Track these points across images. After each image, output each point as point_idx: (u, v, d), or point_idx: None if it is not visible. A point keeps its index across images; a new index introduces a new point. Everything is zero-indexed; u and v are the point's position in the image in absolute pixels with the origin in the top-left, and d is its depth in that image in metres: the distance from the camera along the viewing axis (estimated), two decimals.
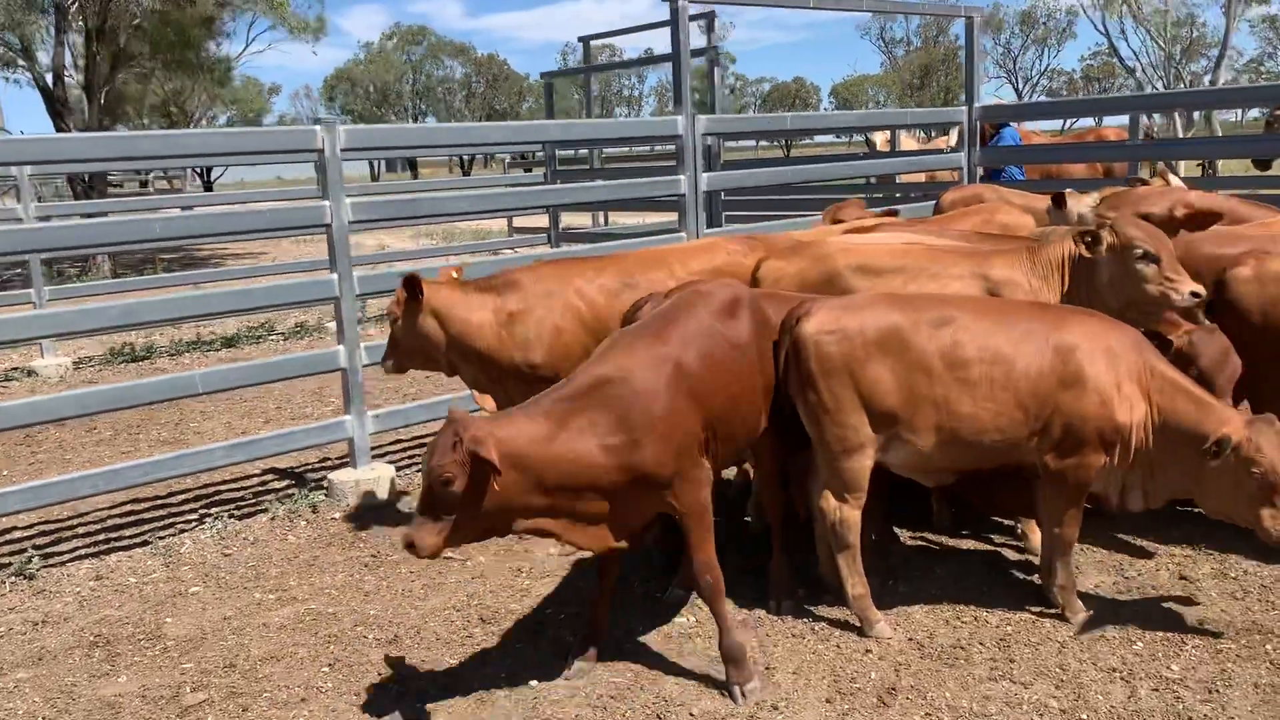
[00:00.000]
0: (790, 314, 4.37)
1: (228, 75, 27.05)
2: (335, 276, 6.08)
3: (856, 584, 4.45)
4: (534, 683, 4.14)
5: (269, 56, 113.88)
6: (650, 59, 15.44)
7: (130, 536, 6.01)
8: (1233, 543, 5.11)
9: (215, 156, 9.29)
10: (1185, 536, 5.27)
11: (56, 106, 17.99)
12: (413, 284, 5.13)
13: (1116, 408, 4.20)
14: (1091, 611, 4.48)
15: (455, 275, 5.42)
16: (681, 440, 3.86)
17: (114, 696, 4.23)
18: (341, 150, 6.03)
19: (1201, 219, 5.87)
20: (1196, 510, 4.94)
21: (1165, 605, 4.58)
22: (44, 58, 18.41)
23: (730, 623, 4.05)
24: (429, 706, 4.00)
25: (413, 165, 65.44)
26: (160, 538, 5.93)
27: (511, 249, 15.29)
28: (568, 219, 14.98)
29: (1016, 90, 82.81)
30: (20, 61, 18.40)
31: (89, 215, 12.75)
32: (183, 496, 6.69)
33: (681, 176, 7.63)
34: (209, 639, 4.70)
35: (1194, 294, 4.71)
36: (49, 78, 18.11)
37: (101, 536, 6.04)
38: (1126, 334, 4.36)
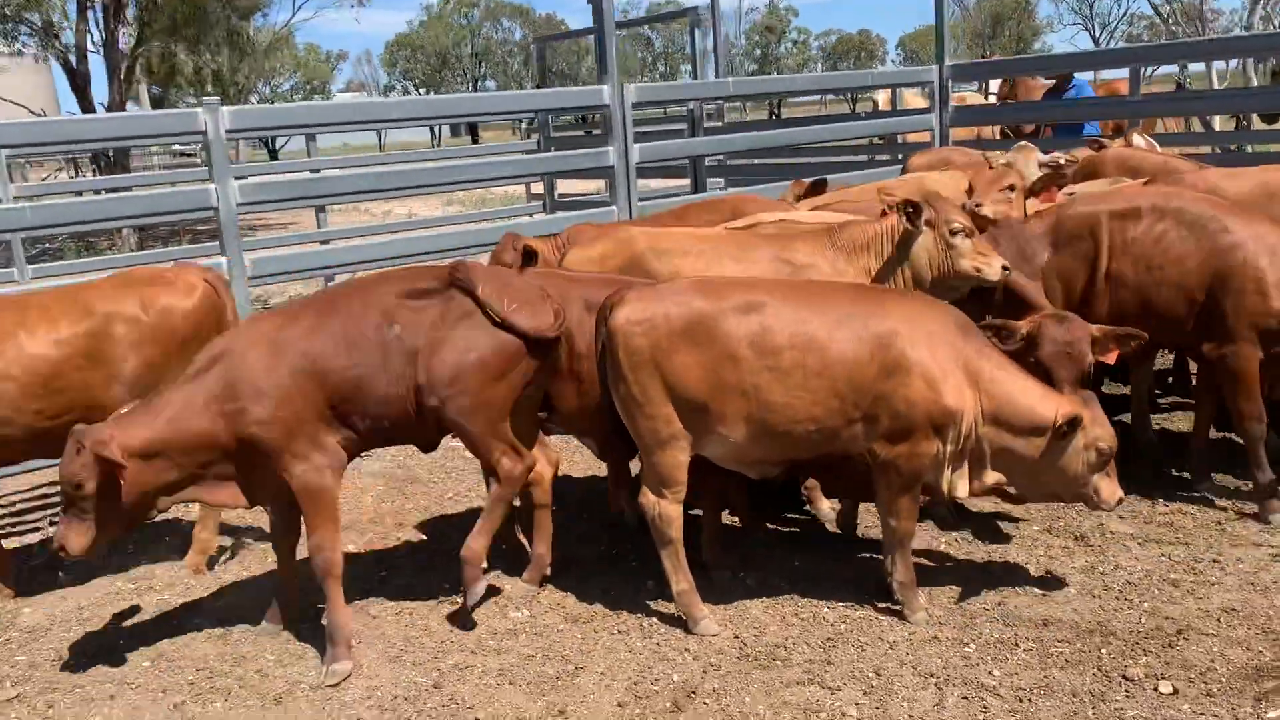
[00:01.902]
0: (604, 303, 4.18)
1: (259, 46, 27.14)
2: (225, 261, 6.03)
3: (680, 580, 4.29)
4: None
5: (353, 23, 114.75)
6: (648, 18, 15.01)
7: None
8: (1120, 539, 4.85)
9: (104, 142, 9.31)
10: (1072, 525, 5.02)
11: (79, 83, 18.32)
12: None
13: (945, 392, 3.96)
14: (926, 610, 4.26)
15: None
16: (290, 418, 3.95)
17: None
18: (226, 131, 5.95)
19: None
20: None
21: (1016, 602, 4.33)
22: (68, 37, 18.67)
23: (338, 603, 4.13)
24: (219, 706, 3.97)
25: (473, 130, 65.55)
26: (53, 523, 5.97)
27: (529, 215, 15.20)
28: (565, 186, 14.79)
29: (1094, 38, 79.74)
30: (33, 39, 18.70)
31: (77, 193, 12.93)
32: None
33: (610, 148, 7.42)
34: (52, 629, 4.72)
35: (1004, 268, 4.80)
36: (72, 57, 18.41)
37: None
38: (950, 316, 4.11)
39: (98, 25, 18.34)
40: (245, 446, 4.00)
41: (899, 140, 12.30)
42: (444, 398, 4.09)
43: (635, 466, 4.88)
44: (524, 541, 4.95)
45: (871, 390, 3.99)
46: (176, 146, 36.39)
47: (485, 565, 4.50)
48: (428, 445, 4.48)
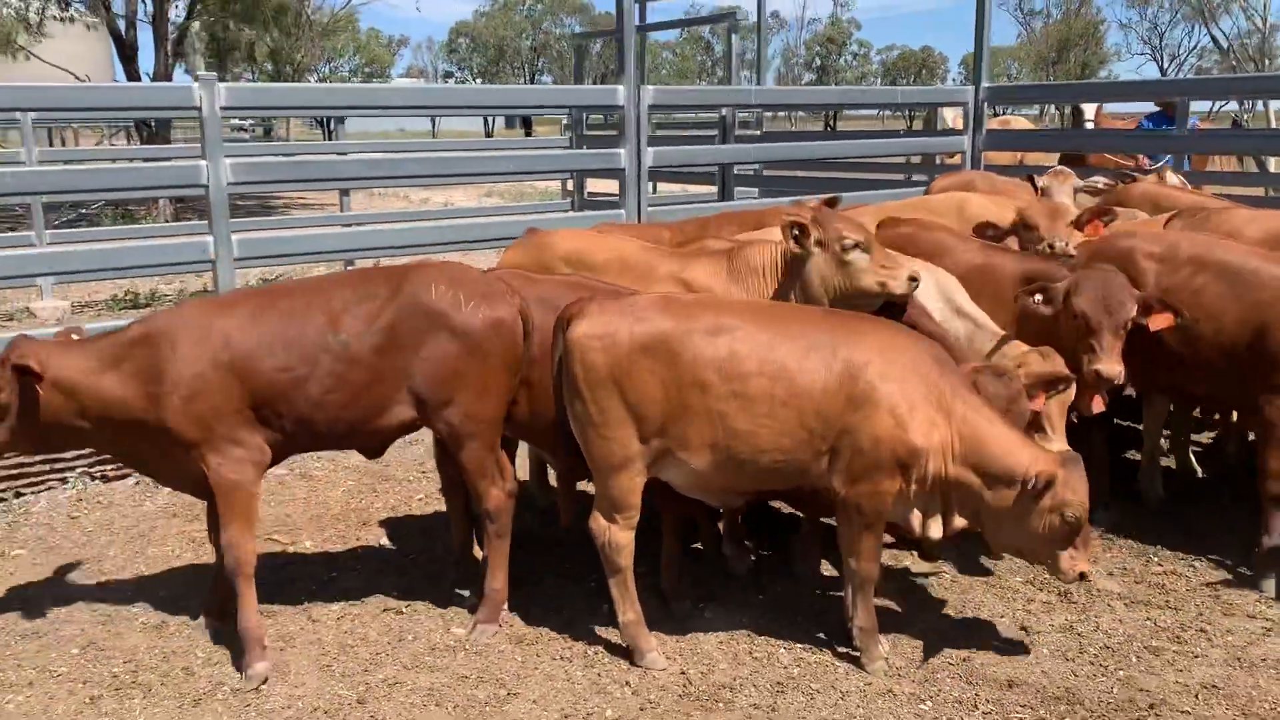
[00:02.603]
0: (563, 313, 3.98)
1: (315, 27, 27.20)
2: (211, 239, 5.91)
3: (628, 609, 4.08)
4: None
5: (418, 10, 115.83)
6: (682, 21, 14.82)
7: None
8: (1105, 598, 4.58)
9: (98, 111, 9.28)
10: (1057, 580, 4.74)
11: (126, 53, 18.45)
12: None
13: (912, 430, 3.72)
14: (885, 659, 4.02)
15: None
16: (207, 410, 3.84)
17: None
18: (222, 109, 5.83)
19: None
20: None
21: (983, 659, 4.08)
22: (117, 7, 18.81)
23: (249, 607, 3.98)
24: (136, 703, 3.83)
25: (526, 123, 65.63)
26: (19, 495, 5.89)
27: (543, 213, 15.01)
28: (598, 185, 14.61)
29: (1161, 69, 78.32)
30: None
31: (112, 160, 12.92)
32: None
33: (621, 150, 7.22)
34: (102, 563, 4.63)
35: (912, 279, 4.45)
36: (121, 25, 18.53)
37: None
38: (927, 350, 3.86)
39: None
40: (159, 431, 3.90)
41: (938, 161, 12.01)
42: (435, 413, 4.04)
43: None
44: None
45: (838, 422, 3.76)
46: (235, 121, 36.72)
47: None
48: (371, 452, 4.32)
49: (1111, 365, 4.43)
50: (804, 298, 4.61)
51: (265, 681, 3.92)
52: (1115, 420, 6.67)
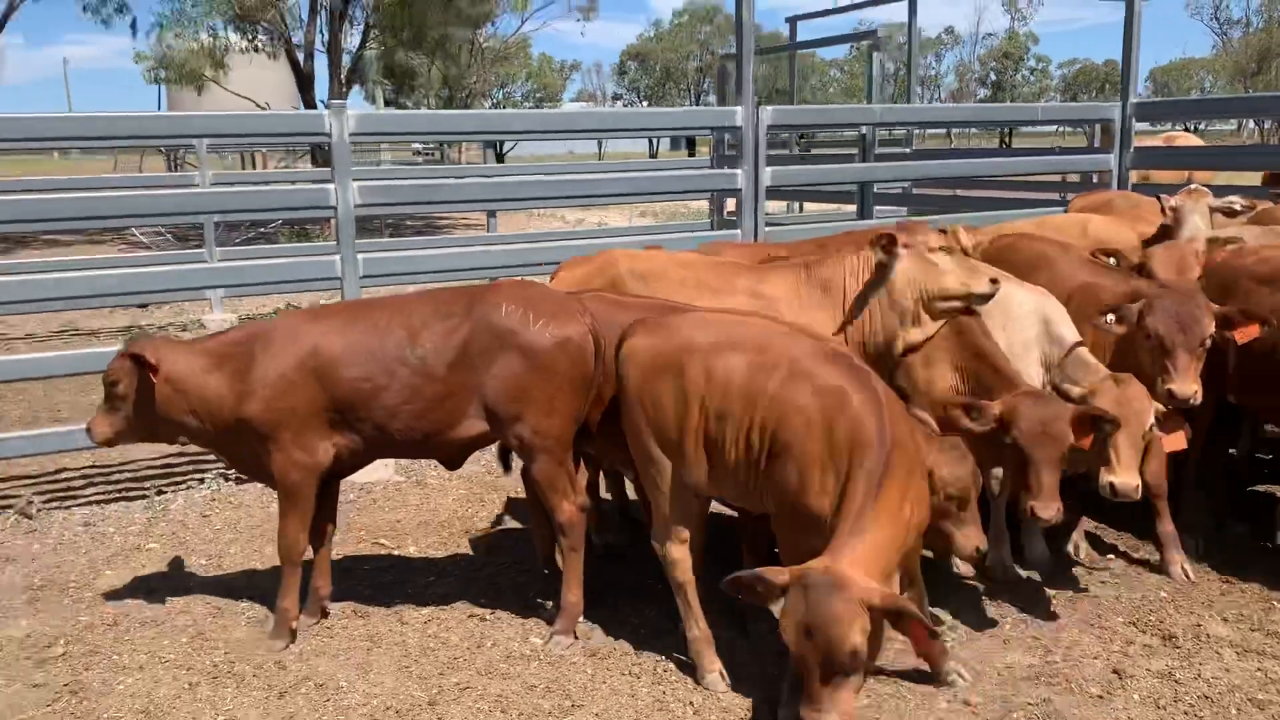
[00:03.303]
0: (623, 332, 4.06)
1: (487, 55, 28.31)
2: (338, 258, 6.24)
3: (694, 626, 4.10)
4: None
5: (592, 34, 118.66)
6: (823, 40, 14.66)
7: (132, 489, 6.46)
8: (1215, 644, 4.30)
9: (223, 137, 9.81)
10: (1165, 622, 4.48)
11: (303, 82, 19.63)
12: None
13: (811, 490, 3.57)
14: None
15: None
16: (285, 410, 4.14)
17: (3, 638, 4.58)
18: (350, 135, 6.16)
19: None
20: None
21: (1065, 701, 3.90)
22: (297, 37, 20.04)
23: (288, 590, 4.41)
24: (229, 691, 4.07)
25: (690, 143, 66.12)
26: (160, 492, 6.34)
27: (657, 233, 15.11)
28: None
29: None
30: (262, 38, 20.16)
31: (280, 182, 13.75)
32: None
33: (739, 170, 7.25)
34: (122, 596, 4.98)
35: (993, 280, 4.47)
36: (300, 55, 19.75)
37: (106, 487, 6.54)
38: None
39: (324, 28, 19.61)
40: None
41: (1094, 179, 11.49)
42: (507, 428, 4.20)
43: None
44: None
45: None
46: (416, 145, 38.41)
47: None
48: (449, 462, 4.50)
49: (1186, 385, 4.19)
50: (889, 302, 4.63)
51: (285, 649, 4.35)
52: (1256, 453, 6.31)
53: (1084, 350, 4.61)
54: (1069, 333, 4.65)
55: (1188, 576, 4.88)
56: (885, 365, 4.59)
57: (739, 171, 7.24)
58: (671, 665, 4.21)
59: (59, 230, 19.04)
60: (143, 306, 12.95)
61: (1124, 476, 4.19)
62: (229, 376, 4.18)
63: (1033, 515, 4.07)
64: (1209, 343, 4.31)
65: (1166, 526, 4.94)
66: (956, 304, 4.53)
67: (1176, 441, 4.33)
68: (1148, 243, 5.77)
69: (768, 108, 7.25)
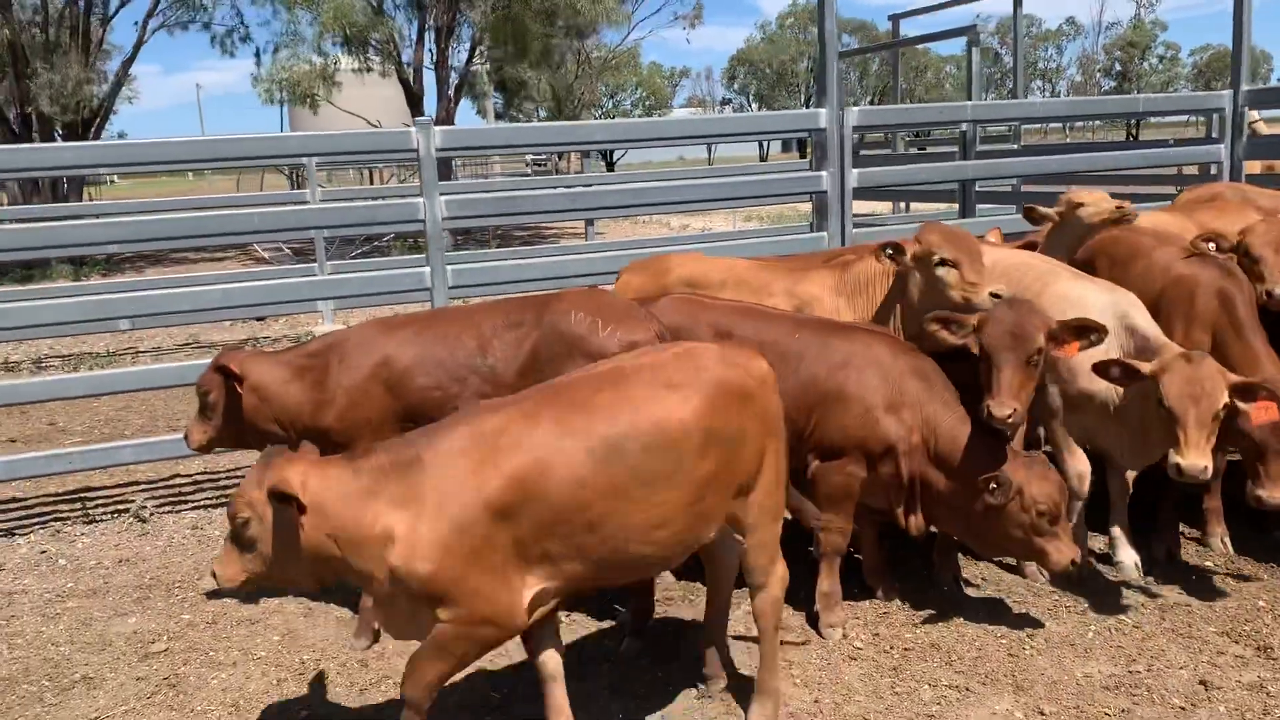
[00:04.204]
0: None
1: (595, 65, 28.66)
2: (428, 270, 6.43)
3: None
4: None
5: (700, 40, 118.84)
6: (918, 39, 14.38)
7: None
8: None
9: (317, 155, 10.11)
10: (1260, 632, 4.30)
11: (413, 98, 20.22)
12: None
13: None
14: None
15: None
16: (360, 419, 4.32)
17: (113, 634, 4.87)
18: (437, 150, 6.35)
19: None
20: None
21: (1147, 713, 3.77)
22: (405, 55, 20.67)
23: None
24: (312, 689, 4.25)
25: (801, 145, 65.61)
26: None
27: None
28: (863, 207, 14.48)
29: None
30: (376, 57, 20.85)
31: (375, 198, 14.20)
32: None
33: (824, 173, 7.20)
34: (224, 596, 5.23)
35: (993, 294, 4.58)
36: (410, 73, 20.36)
37: (214, 492, 6.86)
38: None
39: (432, 46, 20.18)
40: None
41: (1211, 171, 11.03)
42: None
43: None
44: None
45: None
46: (529, 156, 39.03)
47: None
48: None
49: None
50: (907, 310, 4.87)
51: (368, 648, 4.49)
52: None
53: (1159, 334, 4.52)
54: (1144, 323, 4.55)
55: (1227, 548, 5.01)
56: None
57: (824, 174, 7.19)
58: (741, 670, 4.22)
59: (181, 249, 20.03)
60: (260, 319, 13.55)
61: (1192, 458, 4.07)
62: (308, 386, 4.36)
63: (989, 415, 4.09)
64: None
65: (1213, 502, 5.08)
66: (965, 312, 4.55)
67: (1269, 412, 4.17)
68: None
69: (854, 109, 7.19)
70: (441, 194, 6.37)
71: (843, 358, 4.32)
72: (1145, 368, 4.26)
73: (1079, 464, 4.77)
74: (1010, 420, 4.08)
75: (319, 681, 4.29)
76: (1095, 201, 5.48)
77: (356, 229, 11.14)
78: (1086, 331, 4.22)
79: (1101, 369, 4.29)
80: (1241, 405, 4.18)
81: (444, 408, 4.22)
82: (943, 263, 4.70)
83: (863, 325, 4.69)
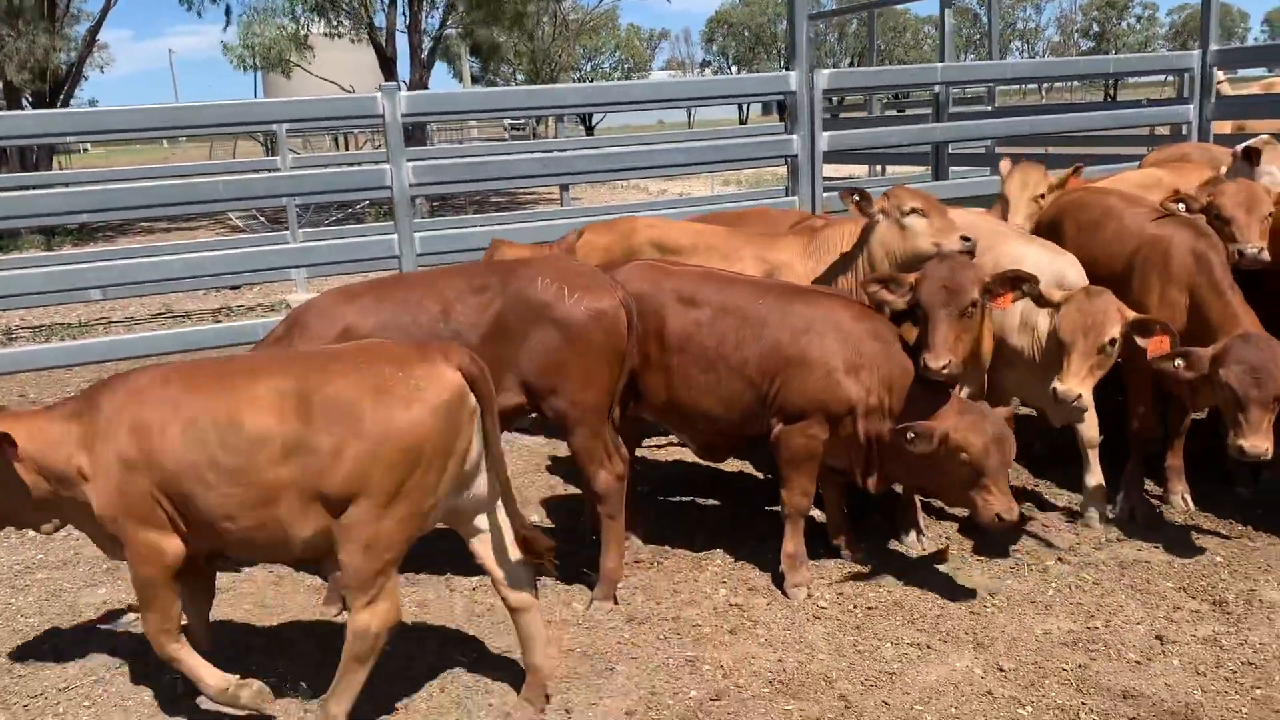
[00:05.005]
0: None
1: (571, 28, 28.39)
2: (396, 237, 6.40)
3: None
4: None
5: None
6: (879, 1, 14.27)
7: None
8: (1268, 610, 4.18)
9: (282, 122, 10.00)
10: (1217, 587, 4.38)
11: (385, 63, 19.99)
12: None
13: None
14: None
15: None
16: None
17: (83, 604, 4.87)
18: (403, 116, 6.29)
19: None
20: None
21: (1102, 667, 3.85)
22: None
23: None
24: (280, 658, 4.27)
25: (781, 108, 65.07)
26: None
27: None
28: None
29: None
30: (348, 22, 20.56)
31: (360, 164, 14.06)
32: None
33: (794, 136, 7.19)
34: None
35: (964, 239, 4.66)
36: (382, 38, 20.11)
37: None
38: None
39: (406, 9, 19.91)
40: None
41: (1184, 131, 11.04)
42: (542, 400, 4.27)
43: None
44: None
45: None
46: (508, 121, 38.72)
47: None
48: None
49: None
50: (869, 263, 4.90)
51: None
52: None
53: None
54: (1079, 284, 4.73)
55: (1188, 505, 5.13)
56: None
57: (794, 137, 7.18)
58: (707, 628, 4.27)
59: (154, 218, 19.82)
60: (234, 288, 13.47)
61: (1069, 384, 4.32)
62: None
63: (925, 368, 4.17)
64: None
65: (1174, 460, 5.19)
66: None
67: (1162, 345, 4.39)
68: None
69: (824, 71, 7.17)
70: (409, 160, 6.33)
71: (805, 323, 4.35)
72: (1055, 295, 4.47)
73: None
74: (945, 371, 4.16)
75: (285, 651, 4.32)
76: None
77: (323, 196, 11.01)
78: (1019, 282, 4.33)
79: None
80: (1139, 340, 4.37)
81: None
82: (913, 211, 4.80)
83: (825, 290, 4.72)
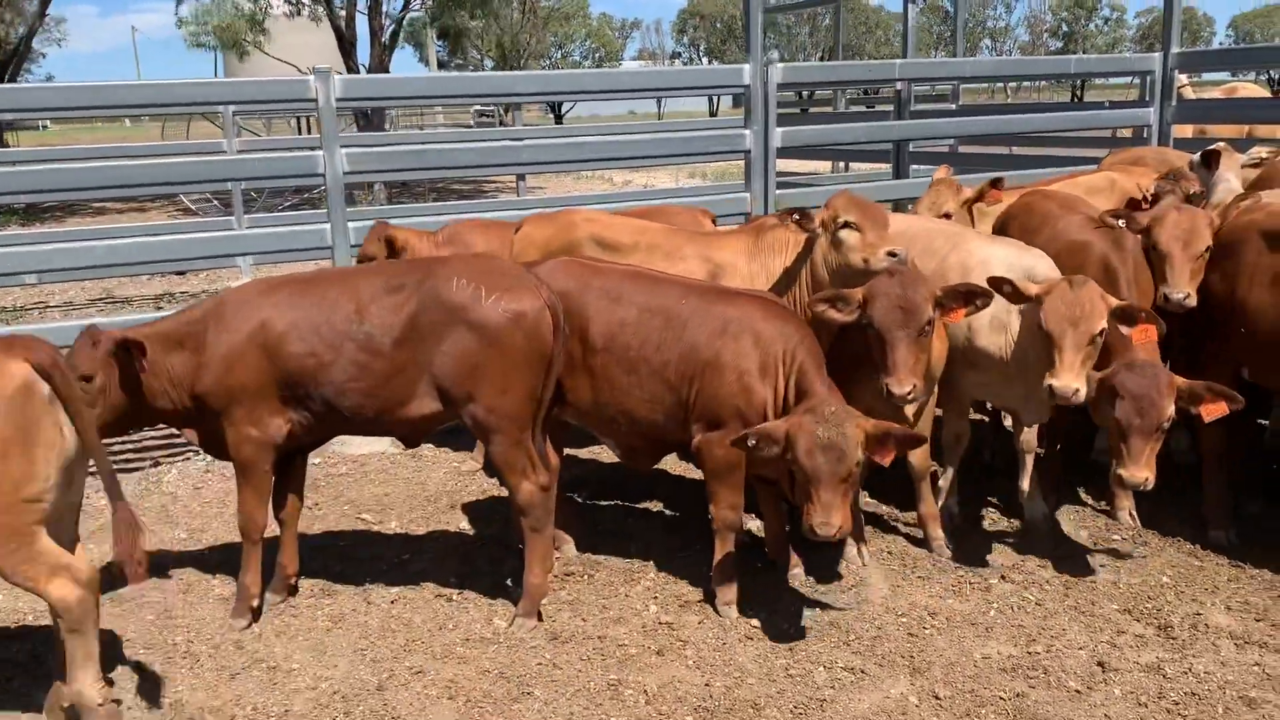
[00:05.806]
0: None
1: (540, 15, 28.05)
2: (329, 227, 6.13)
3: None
4: None
5: None
6: None
7: (133, 461, 6.48)
8: (1214, 635, 4.04)
9: (218, 105, 9.71)
10: (1162, 610, 4.22)
11: (345, 46, 19.55)
12: None
13: None
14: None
15: None
16: (236, 385, 4.03)
17: None
18: (337, 100, 6.03)
19: None
20: None
21: (1039, 696, 3.68)
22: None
23: (250, 568, 4.29)
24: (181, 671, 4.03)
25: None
26: (157, 464, 6.35)
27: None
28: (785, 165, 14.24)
29: None
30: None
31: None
32: None
33: (748, 131, 6.98)
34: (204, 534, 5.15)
35: (890, 254, 4.44)
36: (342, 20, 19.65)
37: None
38: None
39: None
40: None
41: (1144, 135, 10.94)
42: (459, 407, 4.04)
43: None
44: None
45: None
46: (477, 107, 38.20)
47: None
48: (406, 441, 4.37)
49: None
50: (812, 274, 4.76)
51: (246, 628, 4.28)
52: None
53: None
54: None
55: (1134, 522, 4.97)
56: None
57: (747, 132, 6.98)
58: (634, 651, 4.06)
59: (101, 199, 19.38)
60: (180, 274, 13.09)
61: (1065, 379, 4.10)
62: (191, 353, 4.06)
63: (889, 394, 4.01)
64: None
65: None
66: (862, 276, 4.42)
67: (1148, 334, 4.23)
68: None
69: (778, 65, 6.96)
70: (344, 146, 6.06)
71: (721, 324, 4.15)
72: (1032, 289, 4.26)
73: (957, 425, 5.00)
74: (910, 397, 3.97)
75: (190, 665, 4.07)
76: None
77: (261, 182, 10.70)
78: (972, 296, 4.17)
79: (995, 283, 4.24)
80: (1124, 329, 4.20)
81: (319, 377, 3.98)
82: (846, 225, 4.59)
83: (748, 291, 4.50)
